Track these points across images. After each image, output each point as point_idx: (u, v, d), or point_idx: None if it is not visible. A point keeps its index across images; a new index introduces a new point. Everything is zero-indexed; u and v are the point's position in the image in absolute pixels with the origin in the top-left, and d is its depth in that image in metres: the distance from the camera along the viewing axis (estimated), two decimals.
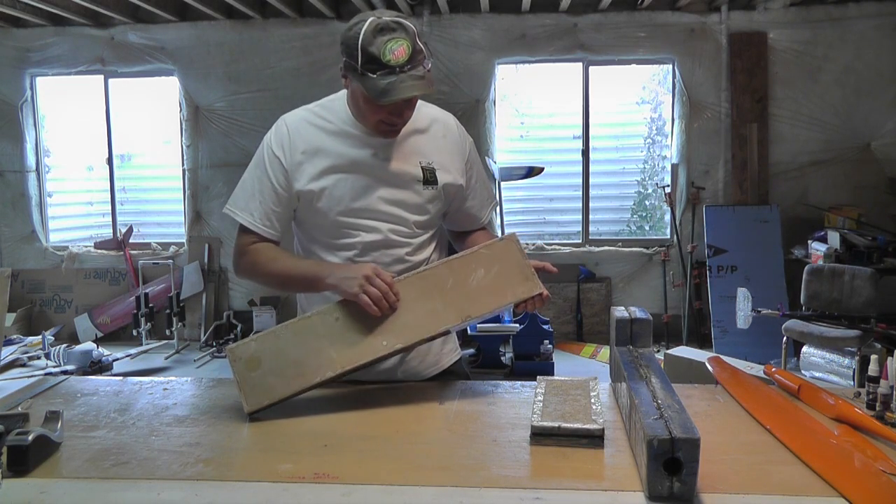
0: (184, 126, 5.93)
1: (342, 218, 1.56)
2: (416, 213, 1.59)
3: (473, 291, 1.47)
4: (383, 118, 1.49)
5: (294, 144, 1.56)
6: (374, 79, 1.41)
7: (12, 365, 4.94)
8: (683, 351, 4.17)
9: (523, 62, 5.77)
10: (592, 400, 1.36)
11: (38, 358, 5.08)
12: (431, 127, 1.64)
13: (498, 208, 5.55)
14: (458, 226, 1.77)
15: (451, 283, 1.47)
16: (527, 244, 5.72)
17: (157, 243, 6.13)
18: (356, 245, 1.58)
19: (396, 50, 1.40)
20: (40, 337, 5.33)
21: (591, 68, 5.70)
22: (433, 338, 1.50)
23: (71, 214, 6.42)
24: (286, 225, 1.62)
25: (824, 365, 4.47)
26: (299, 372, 1.43)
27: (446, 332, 1.51)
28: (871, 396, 1.37)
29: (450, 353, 1.74)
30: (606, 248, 5.77)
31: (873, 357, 1.40)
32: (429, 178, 1.58)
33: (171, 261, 5.91)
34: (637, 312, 1.55)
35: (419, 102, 1.66)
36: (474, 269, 1.48)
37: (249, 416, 1.39)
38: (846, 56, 5.43)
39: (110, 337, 5.85)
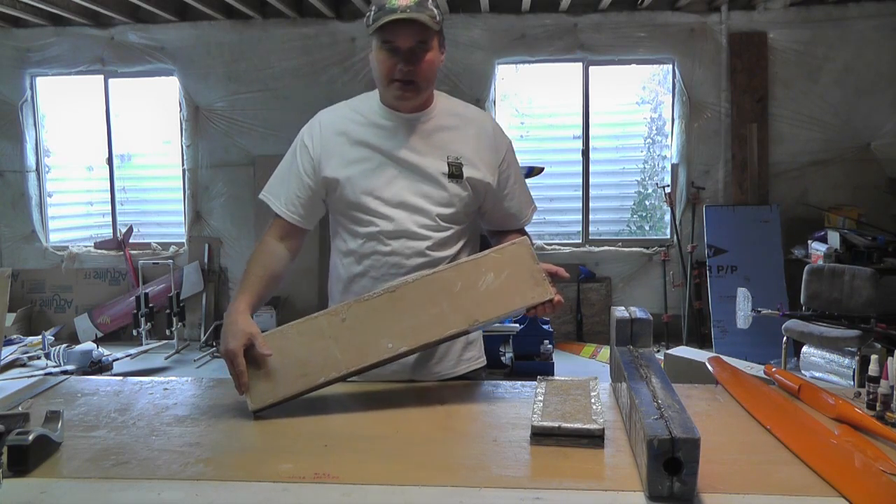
0: (184, 126, 5.93)
1: (366, 205, 1.59)
2: (441, 206, 1.60)
3: (482, 296, 1.45)
4: (396, 73, 1.53)
5: (324, 134, 1.63)
6: (375, 16, 1.50)
7: (12, 365, 4.94)
8: (683, 351, 4.17)
9: (523, 62, 5.77)
10: (592, 400, 1.36)
11: (38, 358, 5.08)
12: (464, 124, 1.66)
13: None
14: (496, 225, 1.76)
15: (459, 287, 1.45)
16: None
17: (157, 243, 6.13)
18: (377, 235, 1.59)
19: None
20: (40, 337, 5.33)
21: (591, 68, 5.71)
22: (440, 341, 1.48)
23: (71, 214, 6.42)
24: (313, 212, 1.67)
25: (824, 365, 4.47)
26: (304, 372, 1.43)
27: (453, 337, 1.49)
28: (871, 396, 1.37)
29: (470, 360, 1.71)
30: (606, 248, 5.77)
31: (873, 357, 1.40)
32: (454, 172, 1.60)
33: (171, 261, 5.91)
34: (637, 312, 1.54)
35: (455, 101, 1.70)
36: (484, 273, 1.46)
37: (254, 415, 1.40)
38: (846, 56, 5.43)
39: (110, 337, 5.85)
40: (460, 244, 1.65)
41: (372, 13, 1.51)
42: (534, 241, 1.68)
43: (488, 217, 1.73)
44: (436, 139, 1.61)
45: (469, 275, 1.47)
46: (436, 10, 1.52)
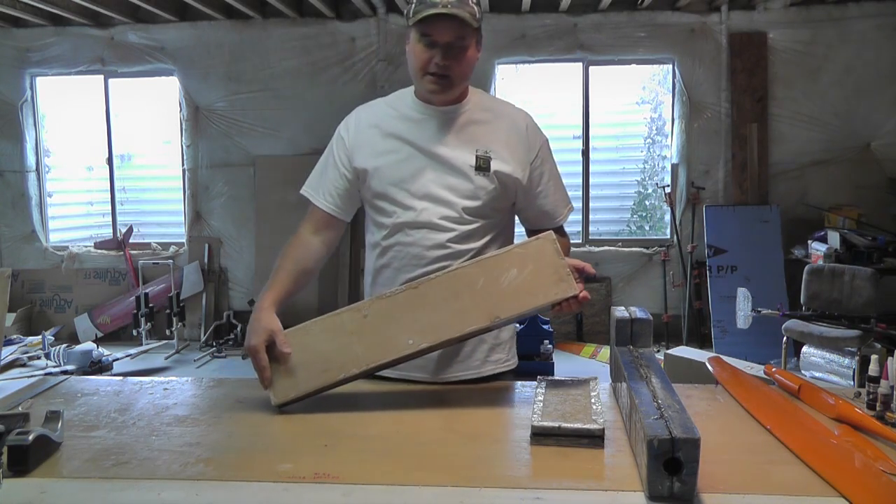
0: (184, 126, 5.93)
1: (392, 196, 1.60)
2: (466, 199, 1.60)
3: (505, 292, 1.42)
4: (432, 66, 1.54)
5: (359, 127, 1.67)
6: (416, 9, 1.51)
7: (12, 365, 4.94)
8: (683, 351, 4.16)
9: (523, 62, 5.77)
10: (592, 400, 1.36)
11: (38, 358, 5.08)
12: (496, 119, 1.67)
13: None
14: (532, 224, 1.76)
15: (482, 283, 1.43)
16: None
17: (157, 243, 6.13)
18: (401, 226, 1.60)
19: None
20: (40, 337, 5.33)
21: (591, 68, 5.70)
22: (462, 338, 1.47)
23: (71, 214, 6.42)
24: (350, 202, 1.69)
25: (824, 365, 4.47)
26: (325, 367, 1.44)
27: (475, 334, 1.47)
28: (871, 396, 1.37)
29: (497, 362, 1.69)
30: (606, 248, 5.77)
31: (873, 357, 1.40)
32: (482, 165, 1.60)
33: (171, 261, 5.91)
34: (637, 312, 1.54)
35: (491, 97, 1.74)
36: (507, 268, 1.44)
37: (279, 409, 1.42)
38: (846, 56, 5.43)
39: (110, 337, 5.85)
40: (486, 239, 1.64)
41: (413, 6, 1.52)
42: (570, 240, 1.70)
43: (524, 215, 1.74)
44: (467, 132, 1.62)
45: (492, 270, 1.44)
46: (476, 9, 1.53)
